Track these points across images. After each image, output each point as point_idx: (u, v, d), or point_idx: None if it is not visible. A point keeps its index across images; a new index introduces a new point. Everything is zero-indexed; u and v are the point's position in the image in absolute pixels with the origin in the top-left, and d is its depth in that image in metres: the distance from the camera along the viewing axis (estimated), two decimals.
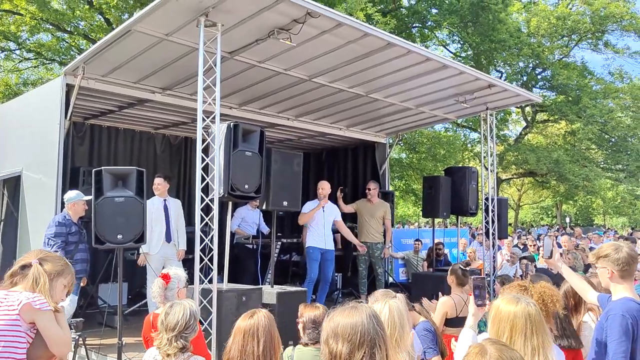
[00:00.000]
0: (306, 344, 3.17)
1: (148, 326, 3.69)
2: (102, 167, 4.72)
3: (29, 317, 1.82)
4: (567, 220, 37.65)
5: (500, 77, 20.76)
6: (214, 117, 5.07)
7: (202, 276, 4.91)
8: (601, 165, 24.17)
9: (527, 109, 24.60)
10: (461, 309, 4.74)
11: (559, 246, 9.19)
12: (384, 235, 8.24)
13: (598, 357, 2.91)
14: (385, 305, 2.67)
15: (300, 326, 3.26)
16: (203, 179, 5.02)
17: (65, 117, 6.07)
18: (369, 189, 8.23)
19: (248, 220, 8.22)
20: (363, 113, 8.56)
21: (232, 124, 5.22)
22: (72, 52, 17.43)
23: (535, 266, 7.96)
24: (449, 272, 5.19)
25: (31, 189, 6.69)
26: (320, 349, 3.05)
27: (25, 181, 6.83)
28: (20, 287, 2.07)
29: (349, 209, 8.28)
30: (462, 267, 5.20)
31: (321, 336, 1.87)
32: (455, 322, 4.51)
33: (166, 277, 3.74)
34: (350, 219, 8.74)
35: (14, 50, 18.38)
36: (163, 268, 5.76)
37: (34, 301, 1.87)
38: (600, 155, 24.60)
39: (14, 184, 7.15)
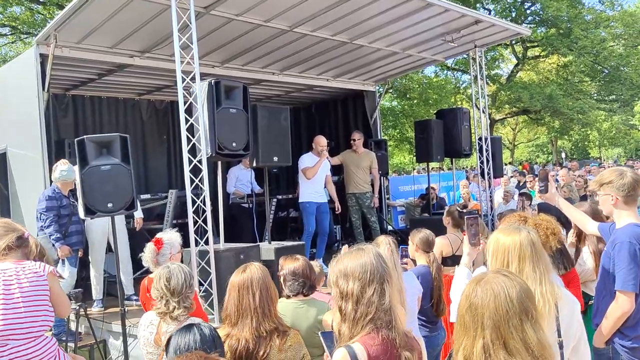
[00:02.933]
0: (288, 297, 3.16)
1: (144, 290, 3.68)
2: (84, 136, 4.60)
3: (51, 283, 1.87)
4: (563, 155, 37.74)
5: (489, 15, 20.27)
6: (194, 76, 4.93)
7: (197, 238, 4.88)
8: (595, 97, 24.04)
9: (518, 46, 24.20)
10: (457, 247, 4.83)
11: (556, 180, 9.17)
12: (372, 185, 8.20)
13: (607, 286, 2.90)
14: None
15: (281, 279, 3.25)
16: (189, 140, 4.92)
17: (44, 88, 5.89)
18: (354, 140, 8.15)
19: (242, 179, 8.17)
20: (349, 61, 8.36)
21: (213, 81, 5.07)
22: (48, 24, 16.90)
23: (529, 204, 7.95)
24: (445, 214, 5.23)
25: (18, 166, 6.59)
26: (300, 301, 3.08)
27: (12, 158, 6.72)
28: (13, 258, 2.04)
29: (334, 161, 8.20)
30: (458, 208, 5.22)
31: (329, 279, 1.92)
32: (452, 260, 4.55)
33: (158, 243, 3.68)
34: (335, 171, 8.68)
35: None
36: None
37: (55, 269, 1.90)
38: (593, 87, 24.42)
39: (1, 161, 7.03)
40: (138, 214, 6.32)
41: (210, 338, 2.01)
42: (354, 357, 1.74)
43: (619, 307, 2.78)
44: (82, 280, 6.11)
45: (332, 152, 8.43)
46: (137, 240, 7.41)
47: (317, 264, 3.81)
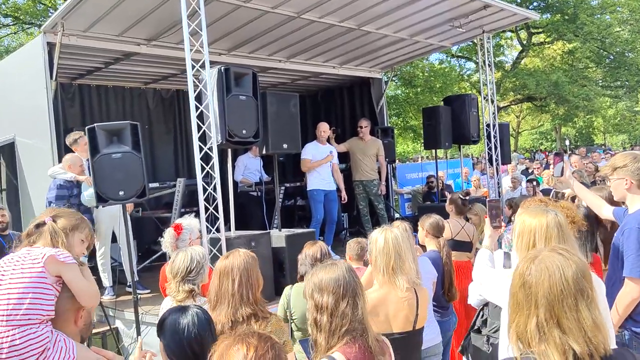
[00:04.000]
0: (301, 278, 3.23)
1: (164, 277, 3.70)
2: (95, 124, 4.59)
3: (54, 270, 1.80)
4: (567, 143, 37.58)
5: None
6: (203, 63, 4.90)
7: (209, 226, 4.89)
8: (600, 84, 23.85)
9: (523, 32, 24.01)
10: (457, 232, 4.96)
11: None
12: (379, 172, 8.17)
13: (616, 272, 2.88)
14: (382, 234, 2.69)
15: (299, 263, 3.33)
16: (199, 128, 4.91)
17: (51, 77, 5.87)
18: (361, 127, 8.10)
19: (251, 168, 8.16)
20: (356, 48, 8.30)
21: (222, 68, 5.05)
22: (50, 14, 16.84)
23: (534, 189, 7.93)
24: (448, 201, 5.28)
25: (27, 155, 6.59)
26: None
27: (20, 147, 6.72)
28: (40, 244, 2.07)
29: (341, 148, 8.17)
30: (461, 196, 5.24)
31: (305, 291, 2.07)
32: (451, 244, 4.59)
33: (178, 228, 3.73)
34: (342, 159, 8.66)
35: None
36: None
37: (58, 255, 1.86)
38: (599, 73, 24.22)
39: (9, 151, 7.03)
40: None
41: (205, 321, 2.00)
42: None
43: (628, 294, 2.76)
44: (93, 269, 6.13)
45: (338, 140, 8.41)
46: (146, 229, 7.47)
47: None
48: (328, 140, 7.70)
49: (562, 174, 3.37)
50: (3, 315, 1.66)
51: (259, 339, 1.39)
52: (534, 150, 35.69)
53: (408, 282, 2.68)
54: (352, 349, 1.87)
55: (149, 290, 5.80)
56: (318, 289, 1.98)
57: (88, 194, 5.30)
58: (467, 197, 5.46)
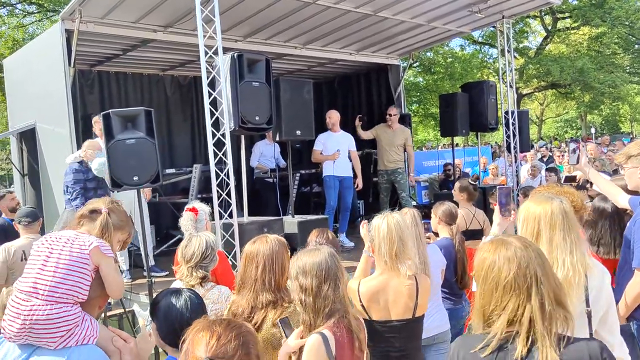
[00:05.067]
0: None
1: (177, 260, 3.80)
2: (110, 110, 4.65)
3: (96, 259, 1.90)
4: (593, 131, 36.79)
5: None
6: (216, 50, 4.92)
7: (222, 211, 4.94)
8: (628, 70, 23.21)
9: (547, 17, 23.47)
10: (470, 221, 4.83)
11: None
12: (407, 161, 8.04)
13: (627, 262, 2.83)
14: (384, 220, 2.68)
15: None
16: (212, 114, 4.94)
17: (69, 64, 5.96)
18: (390, 115, 7.91)
19: (267, 154, 8.19)
20: (373, 34, 8.22)
21: (235, 54, 5.06)
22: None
23: (557, 178, 7.80)
24: (458, 189, 5.22)
25: (47, 141, 6.72)
26: None
27: (40, 133, 6.86)
28: (84, 229, 2.16)
29: (368, 135, 8.09)
30: (471, 182, 5.19)
31: (290, 272, 2.24)
32: (465, 234, 4.54)
33: (194, 210, 3.83)
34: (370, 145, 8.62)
35: (15, 4, 18.07)
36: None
37: (102, 246, 1.96)
38: (626, 59, 23.57)
39: (30, 136, 7.18)
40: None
41: (198, 305, 2.02)
42: (325, 341, 2.05)
43: (637, 285, 2.72)
44: None
45: (365, 127, 8.33)
46: (164, 214, 7.58)
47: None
48: (354, 130, 7.61)
49: (577, 162, 3.31)
50: (45, 290, 1.76)
51: (225, 327, 1.39)
52: (557, 139, 35.02)
53: (410, 269, 2.67)
54: (336, 327, 2.08)
55: (166, 273, 5.90)
56: (302, 272, 2.14)
57: (95, 165, 5.35)
58: (477, 183, 5.41)
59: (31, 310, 1.72)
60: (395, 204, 8.13)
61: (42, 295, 1.75)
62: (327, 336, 2.06)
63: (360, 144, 8.30)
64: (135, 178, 4.60)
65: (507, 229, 2.77)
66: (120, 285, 1.99)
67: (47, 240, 1.89)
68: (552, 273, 1.61)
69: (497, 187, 2.85)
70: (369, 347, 2.70)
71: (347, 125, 7.98)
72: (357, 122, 8.17)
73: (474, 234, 4.94)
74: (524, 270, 1.58)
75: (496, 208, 2.81)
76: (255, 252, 2.56)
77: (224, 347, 1.33)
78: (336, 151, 6.98)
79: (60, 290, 1.76)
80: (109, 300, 4.95)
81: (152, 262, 6.11)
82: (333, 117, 7.18)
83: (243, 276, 2.55)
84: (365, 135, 8.07)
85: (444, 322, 3.61)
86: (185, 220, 3.78)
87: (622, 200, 3.15)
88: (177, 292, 2.04)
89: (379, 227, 2.69)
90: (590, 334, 2.12)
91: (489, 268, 1.62)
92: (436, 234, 4.34)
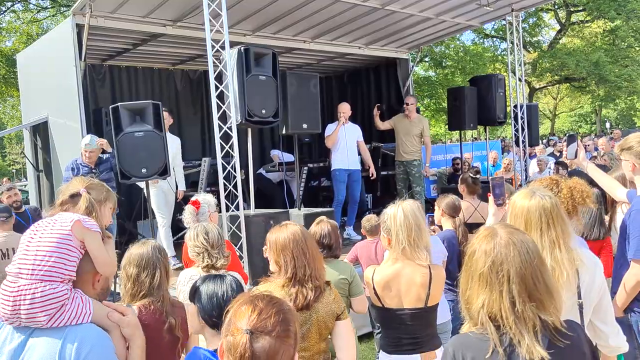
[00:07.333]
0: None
1: (186, 251, 3.83)
2: (118, 104, 4.74)
3: (80, 234, 1.91)
4: (607, 125, 36.34)
5: None
6: (223, 44, 4.97)
7: (228, 203, 5.01)
8: None
9: (561, 11, 23.20)
10: (470, 215, 4.84)
11: (595, 148, 8.90)
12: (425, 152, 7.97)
13: (624, 254, 2.85)
14: (399, 208, 2.69)
15: None
16: (219, 108, 5.00)
17: (80, 58, 6.06)
18: (407, 104, 7.88)
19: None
20: (381, 28, 8.22)
21: (242, 48, 5.11)
22: None
23: (565, 172, 7.75)
24: (459, 181, 5.20)
25: (59, 134, 6.84)
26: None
27: (53, 126, 6.97)
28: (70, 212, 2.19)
29: (385, 125, 8.07)
30: (471, 175, 5.17)
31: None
32: (466, 227, 4.54)
33: (196, 203, 3.85)
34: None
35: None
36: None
37: (85, 221, 1.97)
38: None
39: (43, 129, 7.30)
40: (181, 187, 6.52)
41: (241, 287, 2.12)
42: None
43: (634, 276, 2.73)
44: (122, 245, 6.36)
45: (380, 118, 8.32)
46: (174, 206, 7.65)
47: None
48: (355, 122, 7.64)
49: (575, 156, 3.31)
50: (30, 270, 1.80)
51: (267, 303, 1.42)
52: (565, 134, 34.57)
53: (426, 259, 2.67)
54: (146, 308, 2.34)
55: (181, 265, 5.97)
56: (128, 262, 2.44)
57: (87, 140, 5.48)
58: (478, 176, 5.39)
59: (18, 290, 1.77)
60: (410, 197, 8.07)
61: (27, 275, 1.79)
62: (133, 309, 2.26)
63: (368, 137, 8.30)
64: (144, 170, 4.69)
65: (503, 219, 2.79)
66: (108, 260, 1.96)
67: (34, 227, 1.94)
68: (534, 274, 1.57)
69: (490, 178, 2.88)
70: (383, 331, 2.78)
71: (356, 119, 7.99)
72: (376, 112, 8.17)
73: (475, 227, 4.93)
74: (497, 267, 1.57)
75: (490, 198, 2.83)
76: (288, 240, 2.52)
77: (264, 321, 1.37)
78: (342, 118, 7.07)
79: (43, 268, 1.79)
80: (117, 291, 5.05)
81: (172, 253, 6.17)
82: (346, 110, 7.20)
83: (278, 262, 2.52)
84: (383, 125, 8.05)
85: (445, 313, 3.64)
86: (186, 214, 3.82)
87: (620, 194, 3.17)
88: (220, 276, 2.13)
89: (395, 215, 2.68)
90: (584, 326, 2.14)
91: (471, 255, 1.64)
92: (440, 227, 4.37)
